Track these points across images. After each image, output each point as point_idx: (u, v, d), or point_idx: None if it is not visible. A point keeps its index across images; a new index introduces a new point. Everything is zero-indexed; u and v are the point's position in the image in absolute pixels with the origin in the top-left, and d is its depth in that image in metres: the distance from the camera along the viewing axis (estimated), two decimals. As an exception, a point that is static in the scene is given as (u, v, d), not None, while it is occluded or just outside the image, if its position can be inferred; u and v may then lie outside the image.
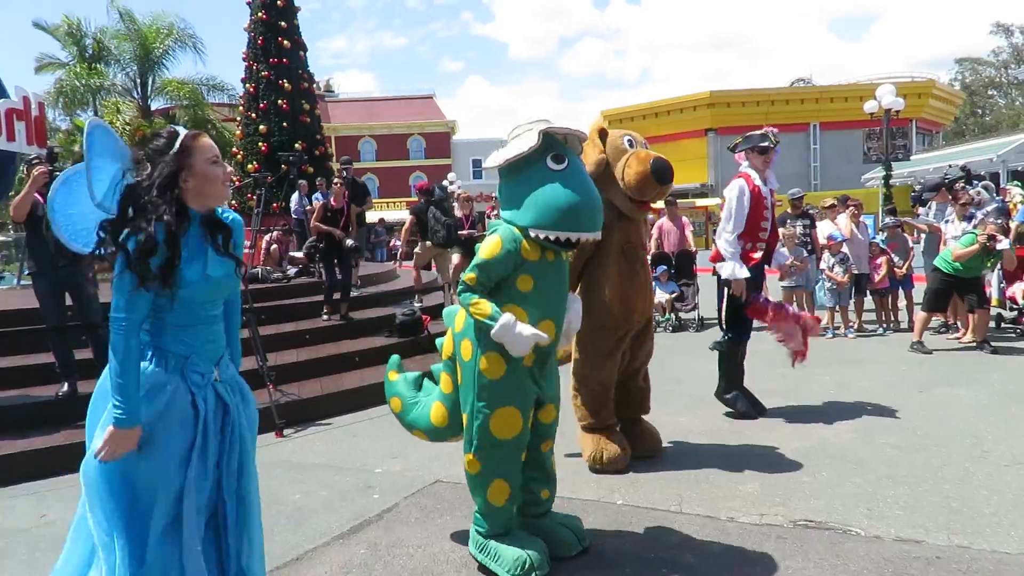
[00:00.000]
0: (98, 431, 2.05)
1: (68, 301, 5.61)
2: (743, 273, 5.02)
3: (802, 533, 3.32)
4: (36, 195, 5.40)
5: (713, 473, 4.17)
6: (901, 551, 3.09)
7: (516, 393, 2.95)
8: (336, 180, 9.07)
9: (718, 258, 5.18)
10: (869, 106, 19.23)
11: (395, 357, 3.73)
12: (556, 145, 2.94)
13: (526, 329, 2.80)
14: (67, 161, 22.78)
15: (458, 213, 10.62)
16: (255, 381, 5.99)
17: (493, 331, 2.80)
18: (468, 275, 2.88)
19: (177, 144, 2.13)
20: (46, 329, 5.61)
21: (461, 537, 3.35)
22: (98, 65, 23.86)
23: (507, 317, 2.80)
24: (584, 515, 3.62)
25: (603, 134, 4.29)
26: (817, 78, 48.32)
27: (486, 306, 2.83)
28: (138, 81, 24.74)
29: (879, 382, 6.23)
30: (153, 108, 25.44)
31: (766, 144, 5.18)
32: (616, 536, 3.39)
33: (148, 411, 2.05)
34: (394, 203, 41.84)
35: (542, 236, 2.86)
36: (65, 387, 5.54)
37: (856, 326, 9.02)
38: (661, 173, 4.02)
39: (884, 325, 9.07)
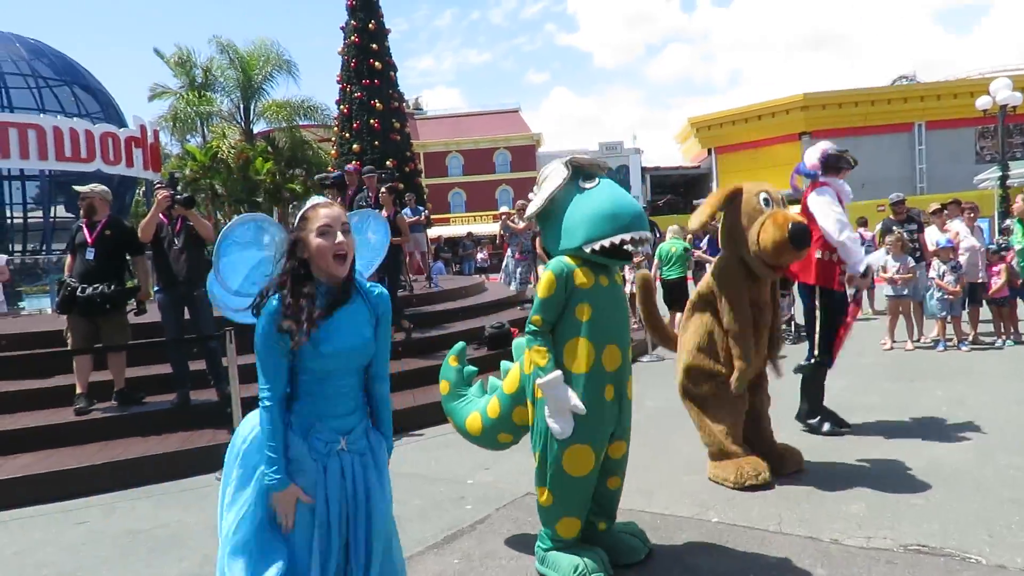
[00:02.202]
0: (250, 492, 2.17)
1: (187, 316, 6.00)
2: (884, 257, 4.84)
3: (914, 559, 3.13)
4: (161, 216, 5.84)
5: (814, 492, 3.99)
6: (1028, 582, 2.87)
7: (590, 430, 2.96)
8: (382, 190, 8.75)
9: (825, 279, 4.95)
10: (982, 102, 18.02)
11: (461, 344, 3.88)
12: (582, 170, 3.06)
13: (570, 394, 2.90)
14: (184, 183, 24.37)
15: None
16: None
17: (540, 380, 2.93)
18: (534, 316, 2.98)
19: (299, 215, 2.18)
20: (165, 341, 6.02)
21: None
22: (207, 92, 25.49)
23: (557, 373, 2.92)
24: (678, 532, 3.56)
25: (736, 193, 4.19)
26: (922, 74, 45.70)
27: (544, 356, 2.95)
28: (241, 107, 26.24)
29: (998, 398, 5.80)
30: (255, 131, 26.91)
31: (841, 165, 5.08)
32: (711, 554, 3.30)
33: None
34: (481, 216, 42.45)
35: (597, 247, 2.90)
36: (177, 396, 5.92)
37: (971, 338, 8.44)
38: (799, 239, 3.91)
39: (1003, 337, 8.44)
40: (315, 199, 2.24)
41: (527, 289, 11.23)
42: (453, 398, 3.74)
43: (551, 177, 3.08)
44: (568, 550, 3.09)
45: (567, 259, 2.99)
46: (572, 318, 2.95)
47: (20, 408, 5.96)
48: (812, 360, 5.08)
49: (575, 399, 2.91)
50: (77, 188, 6.17)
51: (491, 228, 41.08)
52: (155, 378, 6.37)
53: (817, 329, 5.02)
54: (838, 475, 4.24)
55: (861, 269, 4.83)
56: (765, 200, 4.10)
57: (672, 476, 4.40)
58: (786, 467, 4.33)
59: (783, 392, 5.52)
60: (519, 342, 3.43)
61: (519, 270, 11.40)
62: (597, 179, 3.05)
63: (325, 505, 2.16)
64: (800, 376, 5.23)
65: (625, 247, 2.96)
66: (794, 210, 4.49)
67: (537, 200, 3.11)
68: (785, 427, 5.22)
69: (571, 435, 2.94)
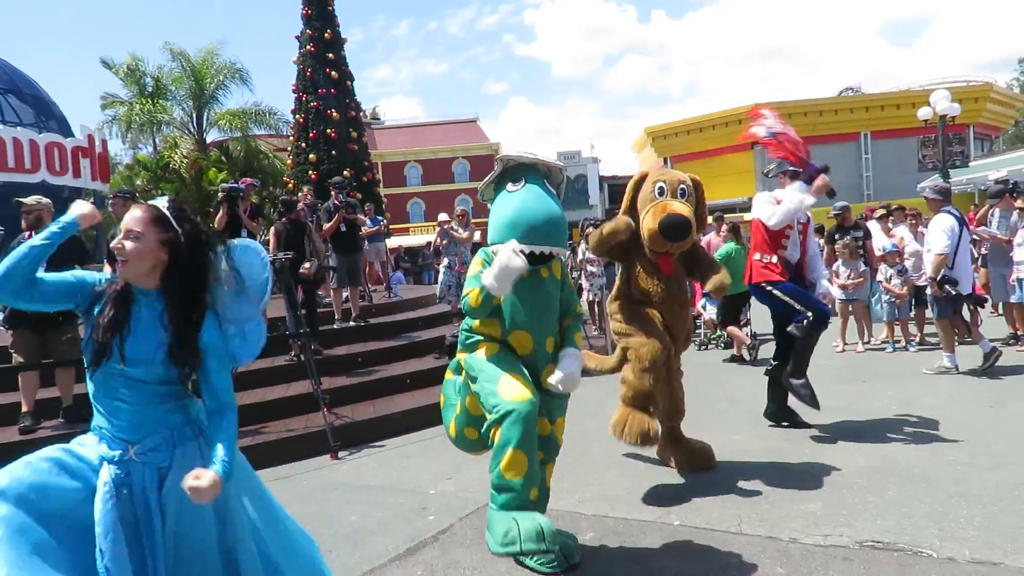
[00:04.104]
0: None
1: None
2: (810, 200, 4.95)
3: (869, 554, 3.20)
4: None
5: (773, 492, 4.06)
6: (977, 573, 2.96)
7: (509, 362, 3.17)
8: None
9: (761, 277, 5.13)
10: (923, 113, 18.73)
11: (455, 360, 3.71)
12: (515, 170, 3.23)
13: (503, 254, 2.98)
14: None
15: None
16: (311, 404, 6.11)
17: (487, 282, 3.02)
18: (469, 290, 3.13)
19: None
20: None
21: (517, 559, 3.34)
22: (160, 101, 24.87)
23: (487, 270, 3.05)
24: (641, 536, 3.59)
25: (641, 179, 4.40)
26: (868, 86, 47.06)
27: (475, 291, 3.09)
28: (194, 115, 25.69)
29: (946, 397, 6.00)
30: (208, 141, 26.34)
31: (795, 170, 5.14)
32: (674, 558, 3.32)
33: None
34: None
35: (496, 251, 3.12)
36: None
37: (918, 339, 8.72)
38: (669, 231, 4.10)
39: (948, 338, 8.73)
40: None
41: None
42: (445, 409, 3.72)
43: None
44: (511, 512, 3.06)
45: (487, 248, 3.23)
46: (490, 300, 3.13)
47: (-40, 428, 5.72)
48: (804, 322, 5.02)
49: (508, 251, 2.99)
50: (22, 200, 5.94)
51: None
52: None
53: (790, 301, 5.05)
54: (796, 475, 4.33)
55: (808, 202, 4.95)
56: (659, 189, 4.27)
57: (634, 481, 4.43)
58: (698, 463, 4.49)
59: (745, 397, 5.62)
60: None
61: (458, 284, 10.36)
62: (523, 181, 3.15)
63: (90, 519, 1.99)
64: (767, 378, 5.36)
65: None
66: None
67: (479, 188, 3.39)
68: (749, 429, 5.31)
69: (495, 371, 3.11)
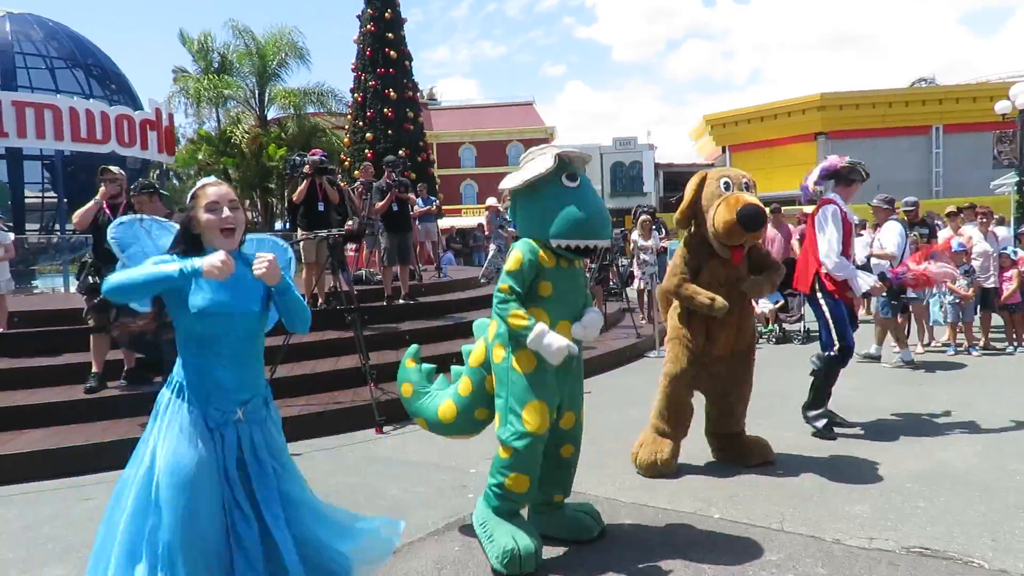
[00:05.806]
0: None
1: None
2: (873, 279, 5.15)
3: (916, 561, 3.12)
4: (104, 206, 5.79)
5: (819, 492, 3.98)
6: (1031, 588, 2.85)
7: (545, 388, 3.18)
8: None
9: (812, 286, 5.07)
10: (1001, 106, 17.82)
11: (415, 347, 3.95)
12: (569, 165, 3.26)
13: (557, 340, 3.06)
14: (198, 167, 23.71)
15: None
16: (358, 379, 6.24)
17: (528, 339, 3.08)
18: (502, 285, 3.18)
19: (189, 195, 2.36)
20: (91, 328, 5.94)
21: (553, 539, 3.36)
22: (225, 76, 25.49)
23: (540, 327, 3.08)
24: (680, 527, 3.57)
25: (703, 179, 4.36)
26: (942, 77, 45.17)
27: (522, 317, 3.11)
28: (256, 92, 26.24)
29: (1008, 403, 5.75)
30: (269, 117, 26.88)
31: (853, 177, 5.17)
32: (712, 551, 3.29)
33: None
34: (492, 208, 42.38)
35: (563, 245, 3.19)
36: (93, 382, 5.82)
37: (982, 343, 8.37)
38: (749, 221, 4.02)
39: (1014, 343, 8.37)
40: (204, 179, 2.37)
41: None
42: (419, 397, 3.76)
43: (537, 161, 3.25)
44: (510, 525, 3.19)
45: (533, 242, 3.24)
46: (535, 292, 3.21)
47: (30, 385, 6.03)
48: (828, 354, 5.06)
49: (563, 340, 3.07)
50: (110, 168, 6.13)
51: (502, 220, 41.11)
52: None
53: (829, 324, 5.03)
54: (843, 475, 4.23)
55: (860, 293, 5.08)
56: (725, 184, 4.24)
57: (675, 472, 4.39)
58: (752, 458, 4.46)
59: (796, 392, 5.51)
60: (480, 322, 3.61)
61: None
62: (579, 179, 3.24)
63: (224, 476, 2.21)
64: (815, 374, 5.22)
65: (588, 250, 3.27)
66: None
67: (516, 178, 3.29)
68: (798, 426, 5.21)
69: (529, 393, 3.14)
